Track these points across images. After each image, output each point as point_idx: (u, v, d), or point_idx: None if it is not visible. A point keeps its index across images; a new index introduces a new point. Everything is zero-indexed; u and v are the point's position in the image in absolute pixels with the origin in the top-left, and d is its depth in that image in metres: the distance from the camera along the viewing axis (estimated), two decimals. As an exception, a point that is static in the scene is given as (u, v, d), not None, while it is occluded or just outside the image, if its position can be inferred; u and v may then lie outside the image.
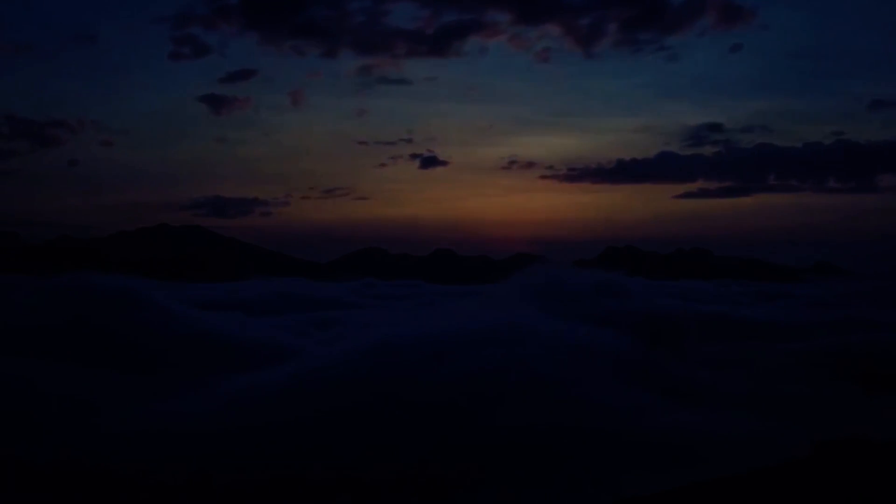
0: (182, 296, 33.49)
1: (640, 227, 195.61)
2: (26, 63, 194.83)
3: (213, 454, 10.89)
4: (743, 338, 22.98)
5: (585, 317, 18.62)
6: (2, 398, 13.37)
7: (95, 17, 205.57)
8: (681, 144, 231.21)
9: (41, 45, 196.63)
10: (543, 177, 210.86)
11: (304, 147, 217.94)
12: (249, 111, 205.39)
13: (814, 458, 10.41)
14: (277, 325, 26.70)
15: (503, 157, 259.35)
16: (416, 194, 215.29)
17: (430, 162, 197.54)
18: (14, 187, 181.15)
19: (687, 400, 14.07)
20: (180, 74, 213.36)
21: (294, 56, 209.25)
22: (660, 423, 12.16)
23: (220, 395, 13.45)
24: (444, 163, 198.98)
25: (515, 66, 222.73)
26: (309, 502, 9.74)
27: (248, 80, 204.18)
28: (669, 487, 8.79)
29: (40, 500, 9.59)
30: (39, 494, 9.69)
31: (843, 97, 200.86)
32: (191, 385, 14.22)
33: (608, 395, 13.10)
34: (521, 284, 24.08)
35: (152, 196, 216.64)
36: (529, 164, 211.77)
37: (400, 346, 14.58)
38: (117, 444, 11.28)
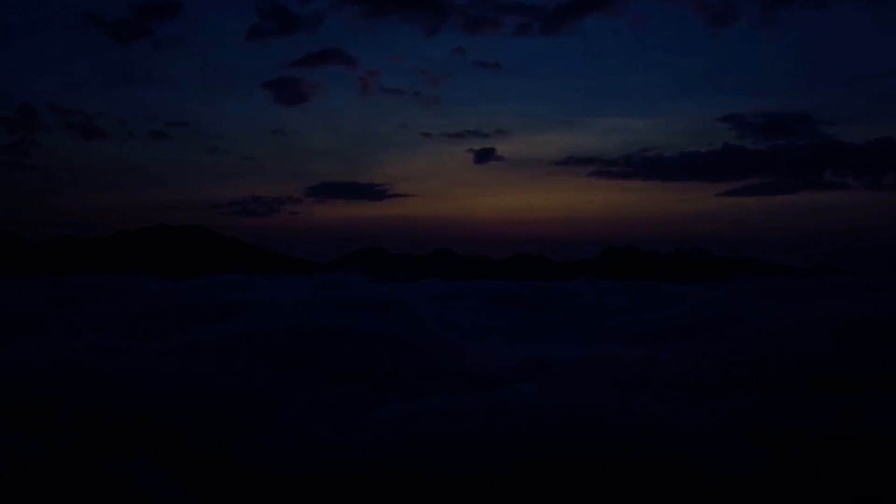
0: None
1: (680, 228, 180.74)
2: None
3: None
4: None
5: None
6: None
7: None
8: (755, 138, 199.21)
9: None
10: (598, 173, 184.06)
11: (354, 140, 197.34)
12: (316, 99, 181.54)
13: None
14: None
15: (566, 150, 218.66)
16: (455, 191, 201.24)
17: (484, 156, 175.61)
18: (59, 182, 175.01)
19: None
20: (256, 54, 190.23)
21: (386, 35, 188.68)
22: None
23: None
24: (500, 158, 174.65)
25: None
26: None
27: (327, 63, 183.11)
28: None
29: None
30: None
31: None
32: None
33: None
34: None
35: (190, 195, 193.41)
36: (587, 159, 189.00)
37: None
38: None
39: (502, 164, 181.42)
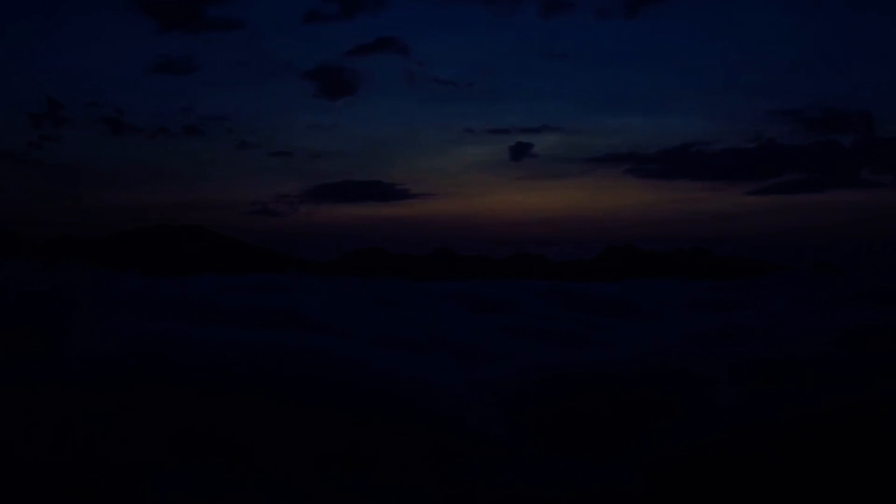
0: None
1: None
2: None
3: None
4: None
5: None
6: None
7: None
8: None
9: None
10: (632, 171, 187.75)
11: (388, 137, 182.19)
12: (361, 91, 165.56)
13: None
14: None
15: (608, 145, 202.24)
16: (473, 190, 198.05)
17: (520, 152, 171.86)
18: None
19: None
20: (309, 41, 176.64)
21: (451, 20, 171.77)
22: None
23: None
24: (535, 155, 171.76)
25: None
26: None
27: (380, 51, 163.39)
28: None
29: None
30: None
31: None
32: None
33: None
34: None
35: (208, 193, 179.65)
36: (625, 156, 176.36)
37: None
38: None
39: (536, 161, 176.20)
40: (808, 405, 14.44)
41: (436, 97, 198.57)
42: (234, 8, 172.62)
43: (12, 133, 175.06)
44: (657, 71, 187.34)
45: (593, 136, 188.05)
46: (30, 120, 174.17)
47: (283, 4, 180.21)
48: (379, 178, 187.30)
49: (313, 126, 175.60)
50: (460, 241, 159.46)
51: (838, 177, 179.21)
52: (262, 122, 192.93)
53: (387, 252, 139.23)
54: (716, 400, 15.15)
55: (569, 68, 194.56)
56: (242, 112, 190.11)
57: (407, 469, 11.12)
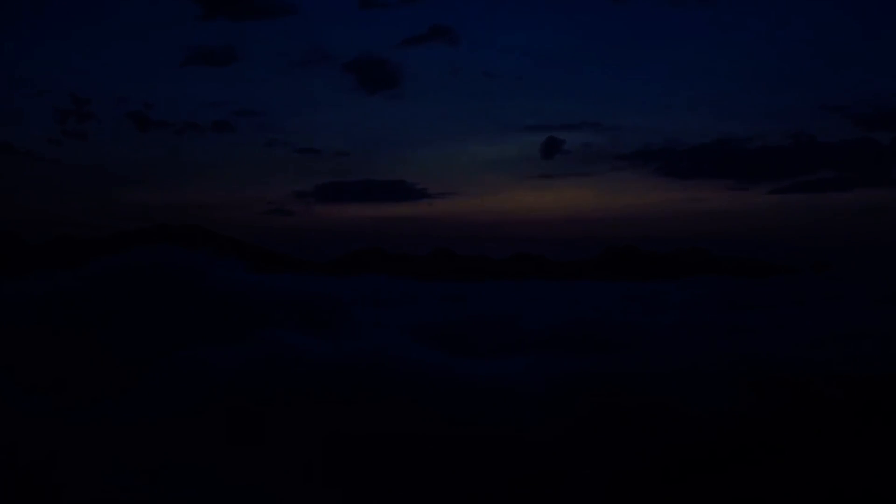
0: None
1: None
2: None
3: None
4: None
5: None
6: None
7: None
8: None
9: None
10: (660, 171, 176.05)
11: (422, 134, 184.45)
12: (403, 84, 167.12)
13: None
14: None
15: (641, 141, 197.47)
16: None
17: (552, 149, 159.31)
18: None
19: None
20: (362, 28, 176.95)
21: (508, 8, 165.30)
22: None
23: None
24: (566, 151, 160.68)
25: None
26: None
27: (431, 41, 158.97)
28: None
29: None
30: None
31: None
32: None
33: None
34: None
35: (236, 196, 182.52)
36: (656, 153, 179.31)
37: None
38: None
39: (566, 158, 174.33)
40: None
41: (479, 92, 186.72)
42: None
43: (37, 128, 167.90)
44: (708, 64, 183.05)
45: (630, 131, 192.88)
46: (55, 115, 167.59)
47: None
48: (402, 178, 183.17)
49: (345, 122, 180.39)
50: (483, 243, 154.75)
51: (871, 175, 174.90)
52: (294, 118, 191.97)
53: (385, 251, 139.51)
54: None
55: (617, 62, 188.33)
56: (276, 107, 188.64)
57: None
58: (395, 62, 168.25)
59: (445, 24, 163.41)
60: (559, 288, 57.27)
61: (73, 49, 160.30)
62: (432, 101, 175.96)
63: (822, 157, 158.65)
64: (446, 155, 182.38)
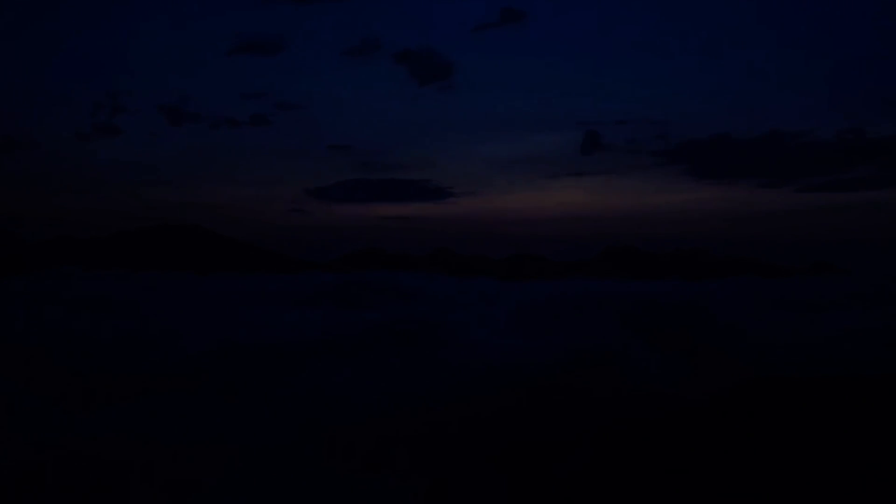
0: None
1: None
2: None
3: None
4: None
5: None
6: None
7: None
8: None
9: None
10: (688, 171, 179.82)
11: (462, 129, 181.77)
12: (456, 74, 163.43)
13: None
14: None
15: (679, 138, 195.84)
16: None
17: (591, 145, 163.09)
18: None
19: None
20: (420, 15, 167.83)
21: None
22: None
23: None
24: (605, 148, 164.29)
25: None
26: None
27: (497, 28, 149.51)
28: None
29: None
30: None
31: None
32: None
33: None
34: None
35: (258, 192, 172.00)
36: (687, 152, 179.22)
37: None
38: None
39: (604, 154, 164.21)
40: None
41: (534, 84, 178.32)
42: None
43: (68, 122, 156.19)
44: (763, 57, 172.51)
45: (677, 127, 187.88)
46: (88, 108, 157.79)
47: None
48: (429, 177, 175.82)
49: (386, 116, 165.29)
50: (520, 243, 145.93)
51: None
52: (333, 112, 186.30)
53: (384, 251, 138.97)
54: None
55: (674, 57, 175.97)
56: (318, 99, 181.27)
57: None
58: (449, 52, 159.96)
59: (519, 7, 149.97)
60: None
61: (111, 37, 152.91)
62: (482, 94, 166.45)
63: (865, 153, 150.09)
64: (480, 151, 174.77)
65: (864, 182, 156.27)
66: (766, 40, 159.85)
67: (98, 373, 18.02)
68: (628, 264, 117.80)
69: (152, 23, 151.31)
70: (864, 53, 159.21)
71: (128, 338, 21.48)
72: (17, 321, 22.81)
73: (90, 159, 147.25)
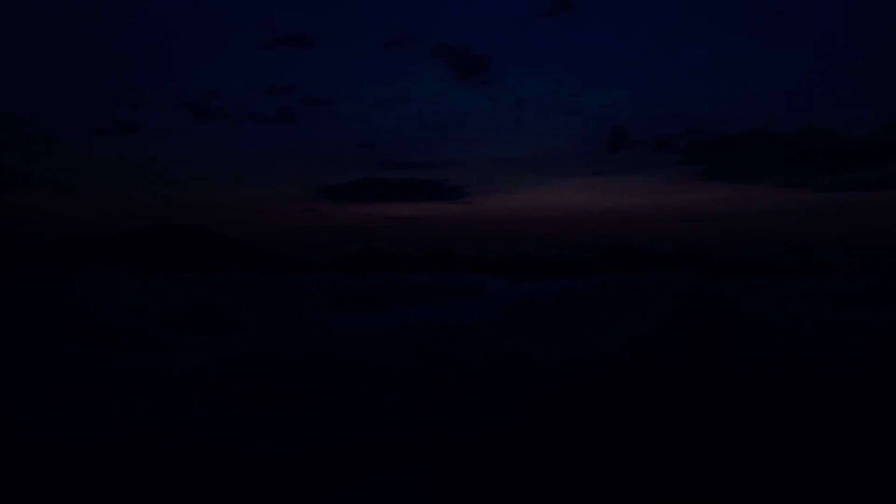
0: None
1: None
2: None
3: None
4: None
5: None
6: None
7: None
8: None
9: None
10: (708, 173, 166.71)
11: (492, 125, 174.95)
12: (493, 68, 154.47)
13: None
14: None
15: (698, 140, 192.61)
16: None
17: (617, 142, 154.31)
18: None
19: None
20: (458, 8, 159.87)
21: None
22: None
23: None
24: (630, 146, 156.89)
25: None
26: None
27: (547, 18, 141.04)
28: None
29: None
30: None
31: None
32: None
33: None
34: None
35: (273, 190, 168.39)
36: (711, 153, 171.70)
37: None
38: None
39: (630, 154, 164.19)
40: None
41: (577, 79, 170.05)
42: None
43: (89, 118, 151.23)
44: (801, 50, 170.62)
45: (709, 122, 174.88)
46: (109, 104, 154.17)
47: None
48: (449, 176, 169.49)
49: (416, 112, 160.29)
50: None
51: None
52: (362, 107, 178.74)
53: (383, 251, 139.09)
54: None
55: (709, 56, 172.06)
56: (348, 94, 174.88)
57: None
58: (489, 45, 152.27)
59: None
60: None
61: (137, 30, 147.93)
62: (521, 86, 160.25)
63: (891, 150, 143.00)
64: (504, 150, 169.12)
65: (883, 182, 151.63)
66: (811, 34, 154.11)
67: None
68: (628, 264, 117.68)
69: (182, 17, 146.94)
70: None
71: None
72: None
73: (108, 156, 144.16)
